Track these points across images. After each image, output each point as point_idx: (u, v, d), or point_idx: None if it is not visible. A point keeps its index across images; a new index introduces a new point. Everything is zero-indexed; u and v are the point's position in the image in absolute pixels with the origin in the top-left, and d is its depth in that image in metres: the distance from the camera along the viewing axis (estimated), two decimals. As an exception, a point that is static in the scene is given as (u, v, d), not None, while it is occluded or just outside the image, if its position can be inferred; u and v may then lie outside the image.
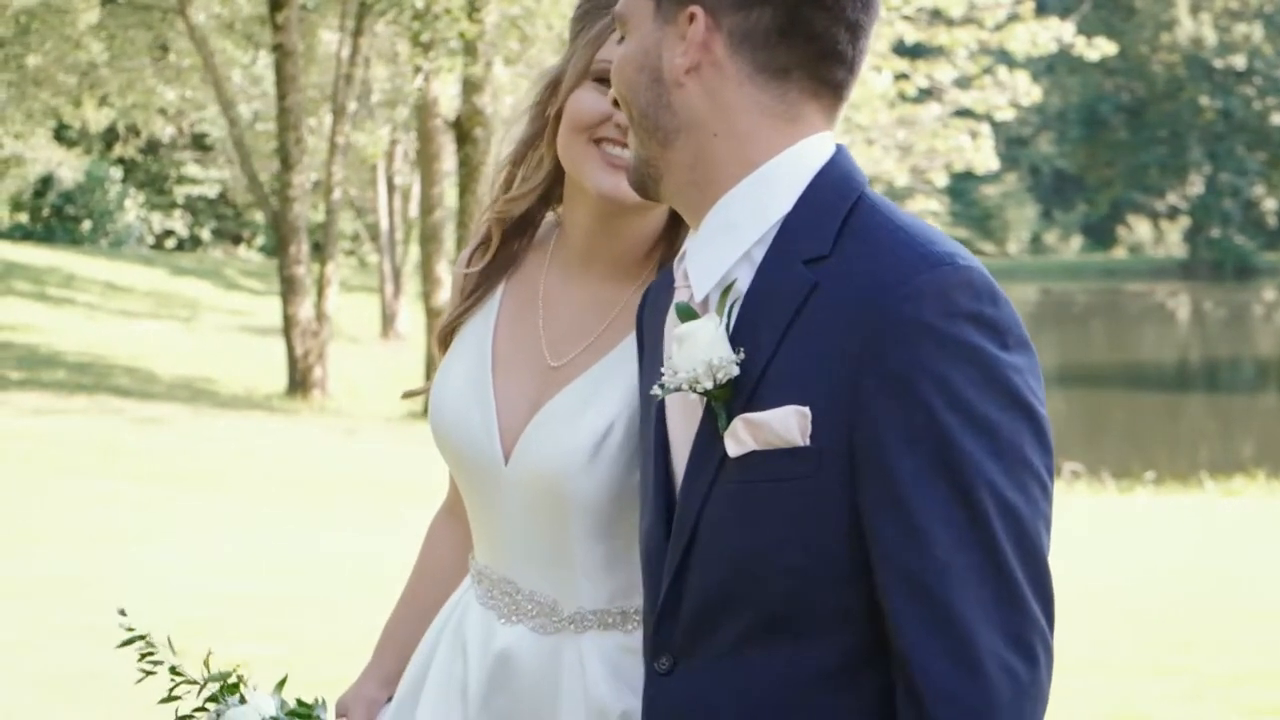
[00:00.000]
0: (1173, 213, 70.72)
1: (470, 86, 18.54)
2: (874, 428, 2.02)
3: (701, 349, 2.10)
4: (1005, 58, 20.61)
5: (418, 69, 18.27)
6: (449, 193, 21.37)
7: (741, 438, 2.08)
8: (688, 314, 2.15)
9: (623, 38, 2.25)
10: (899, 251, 2.05)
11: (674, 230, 2.72)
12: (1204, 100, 67.44)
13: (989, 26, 19.46)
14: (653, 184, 2.23)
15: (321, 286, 22.08)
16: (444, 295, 20.28)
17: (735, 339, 2.11)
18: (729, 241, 2.15)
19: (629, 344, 2.64)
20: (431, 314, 20.40)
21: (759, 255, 2.14)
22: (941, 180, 20.55)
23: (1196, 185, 68.66)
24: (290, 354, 21.82)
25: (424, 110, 20.56)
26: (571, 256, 2.76)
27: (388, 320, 31.72)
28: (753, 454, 2.08)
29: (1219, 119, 67.82)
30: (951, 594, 1.97)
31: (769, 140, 2.15)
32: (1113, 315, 52.17)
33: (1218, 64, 67.09)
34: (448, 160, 20.79)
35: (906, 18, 19.19)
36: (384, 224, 32.83)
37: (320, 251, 23.29)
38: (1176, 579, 10.91)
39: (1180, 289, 62.83)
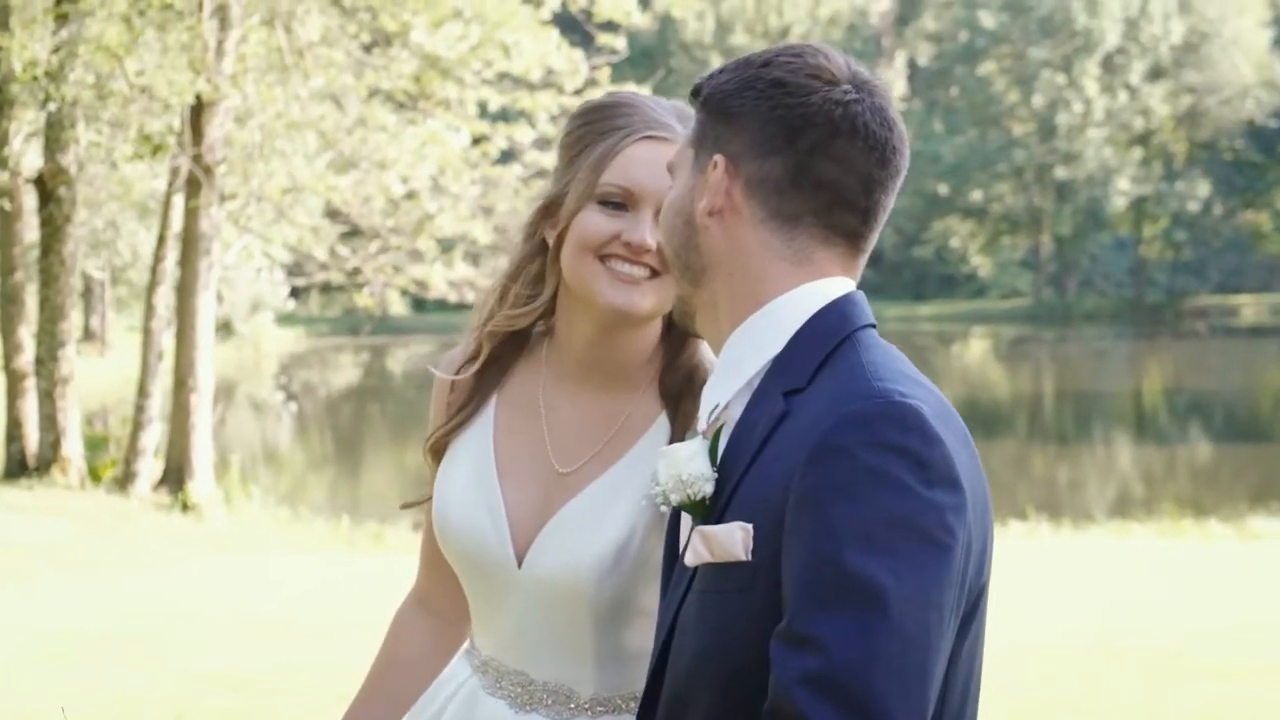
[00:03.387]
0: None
1: (53, 144, 18.18)
2: (790, 545, 2.10)
3: (677, 466, 2.25)
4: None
5: (5, 129, 17.81)
6: (30, 253, 20.78)
7: (698, 550, 2.21)
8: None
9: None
10: (849, 385, 2.16)
11: (670, 342, 2.84)
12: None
13: (568, 91, 20.02)
14: (688, 320, 2.38)
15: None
16: (26, 358, 19.72)
17: (724, 460, 2.24)
18: (733, 376, 2.29)
19: (638, 453, 2.76)
20: (14, 377, 19.82)
21: (755, 385, 2.27)
22: (525, 239, 21.03)
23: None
24: None
25: (6, 168, 20.02)
26: (569, 366, 2.84)
27: (-60, 382, 30.45)
28: (709, 565, 2.19)
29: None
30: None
31: (777, 281, 2.28)
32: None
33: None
34: (29, 219, 20.25)
35: (488, 82, 19.64)
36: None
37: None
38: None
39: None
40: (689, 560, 2.22)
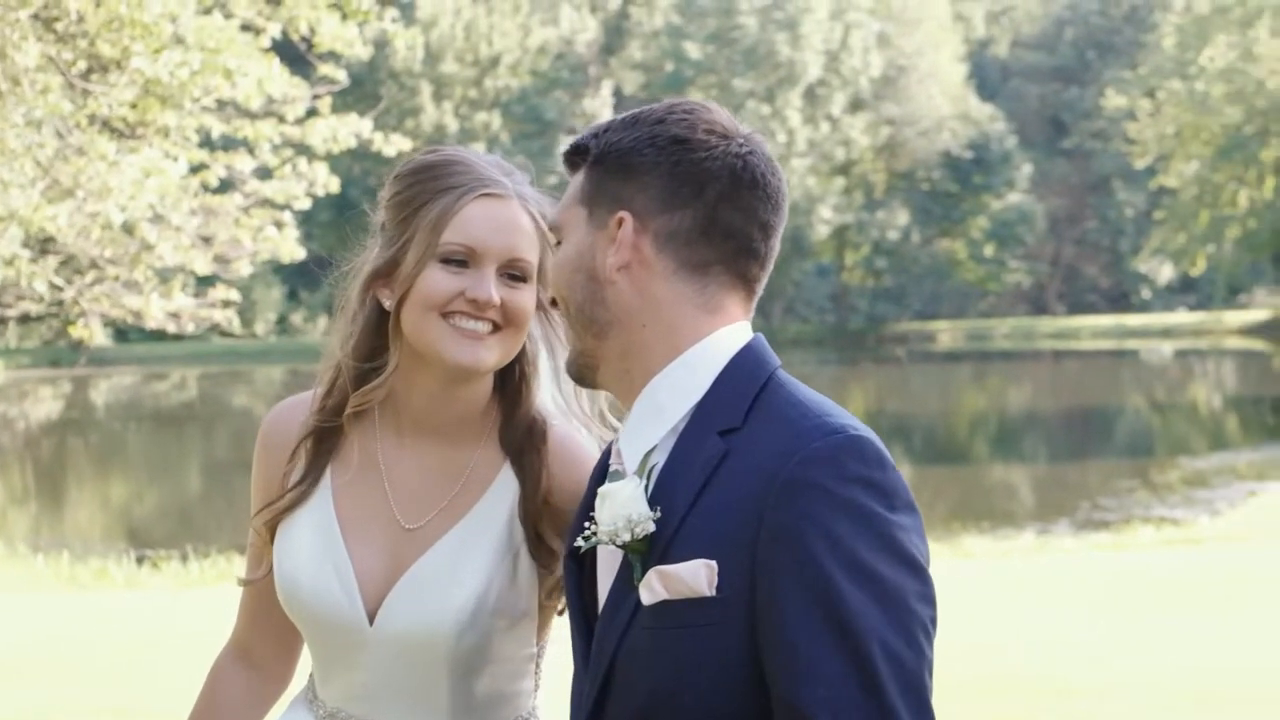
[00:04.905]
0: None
1: None
2: (769, 578, 2.19)
3: (621, 506, 2.30)
4: (307, 150, 21.09)
5: None
6: None
7: (655, 588, 2.26)
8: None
9: (558, 243, 2.47)
10: (798, 423, 2.27)
11: (505, 395, 2.88)
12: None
13: (290, 120, 19.86)
14: (589, 373, 2.44)
15: None
16: None
17: (654, 500, 2.30)
18: (657, 422, 2.36)
19: (486, 506, 2.81)
20: None
21: (681, 428, 2.35)
22: (247, 270, 20.78)
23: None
24: None
25: None
26: (406, 423, 2.85)
27: None
28: (665, 602, 2.26)
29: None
30: None
31: (692, 329, 2.36)
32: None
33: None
34: None
35: (208, 109, 19.40)
36: None
37: None
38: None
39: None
40: (646, 600, 2.28)
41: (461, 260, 2.77)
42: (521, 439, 2.84)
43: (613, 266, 2.38)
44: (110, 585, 14.39)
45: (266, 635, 3.00)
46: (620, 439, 2.44)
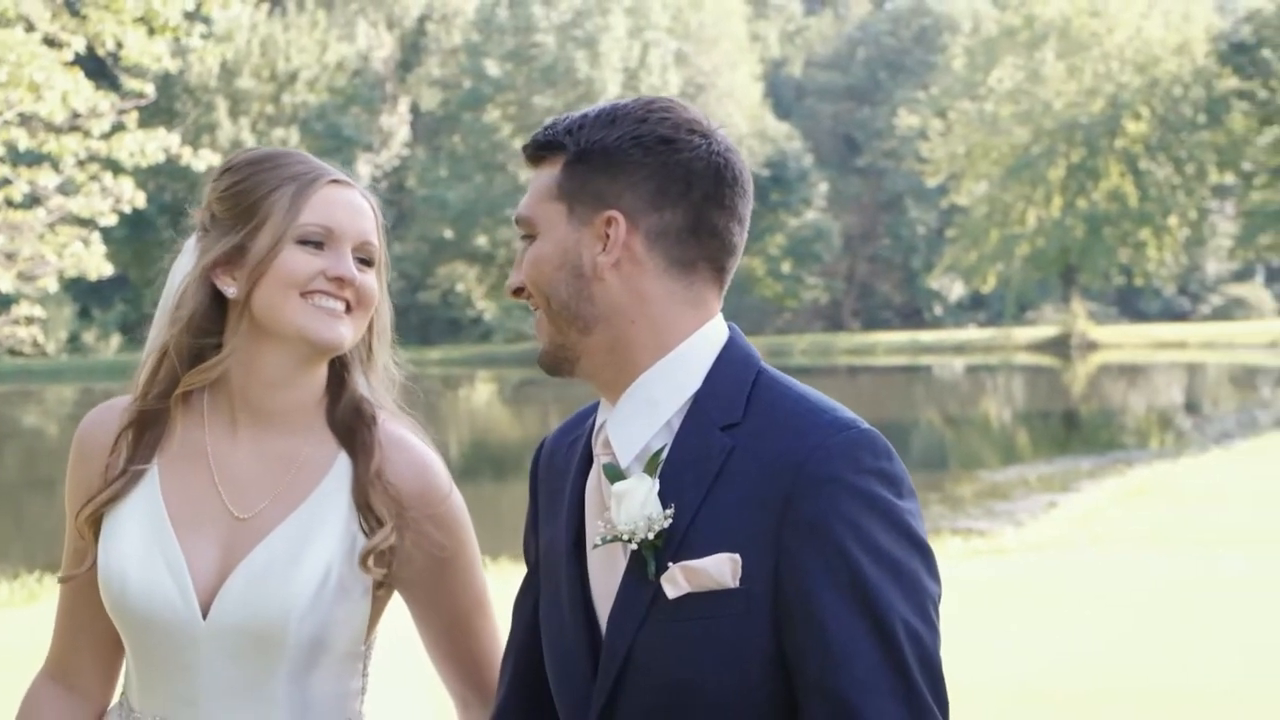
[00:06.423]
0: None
1: None
2: (797, 569, 2.27)
3: (641, 506, 2.34)
4: (112, 164, 20.78)
5: None
6: None
7: (679, 582, 2.31)
8: (615, 475, 2.41)
9: (528, 236, 2.47)
10: (807, 418, 2.36)
11: (330, 379, 2.89)
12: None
13: (96, 135, 19.56)
14: (568, 364, 2.46)
15: None
16: None
17: (662, 495, 2.35)
18: (650, 415, 2.40)
19: (323, 493, 2.80)
20: None
21: (676, 424, 2.40)
22: (54, 286, 20.40)
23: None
24: None
25: None
26: (238, 410, 2.84)
27: None
28: (687, 595, 2.31)
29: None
30: (869, 708, 2.25)
31: (680, 325, 2.43)
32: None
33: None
34: None
35: (10, 123, 19.04)
36: None
37: None
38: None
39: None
40: (671, 594, 2.33)
41: (318, 241, 2.80)
42: (351, 417, 2.86)
43: (605, 265, 2.41)
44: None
45: (85, 651, 2.94)
46: (609, 430, 2.46)
